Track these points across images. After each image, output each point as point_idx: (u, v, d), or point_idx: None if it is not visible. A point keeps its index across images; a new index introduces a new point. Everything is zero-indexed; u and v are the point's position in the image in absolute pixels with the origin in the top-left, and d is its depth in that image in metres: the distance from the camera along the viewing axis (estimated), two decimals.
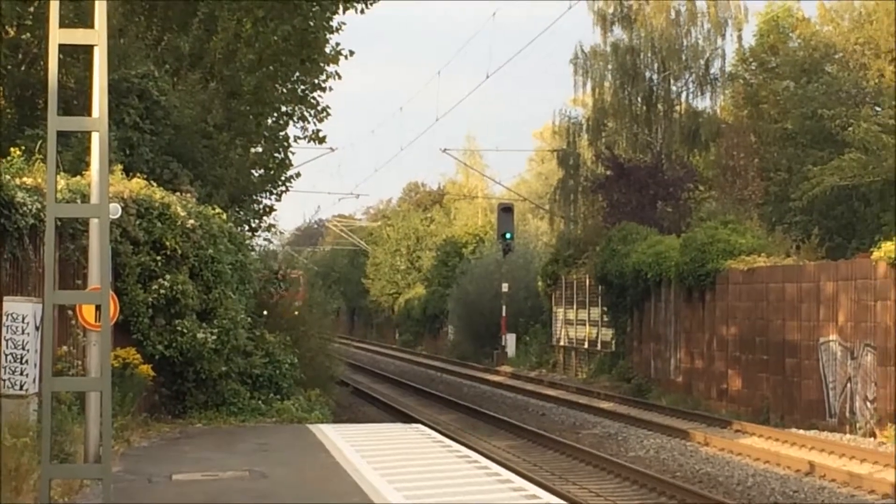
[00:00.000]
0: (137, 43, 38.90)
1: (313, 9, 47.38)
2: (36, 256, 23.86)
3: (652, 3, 76.97)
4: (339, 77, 53.55)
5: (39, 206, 22.98)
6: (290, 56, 48.86)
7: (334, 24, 50.30)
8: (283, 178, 56.71)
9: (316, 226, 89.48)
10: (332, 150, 77.74)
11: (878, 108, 60.32)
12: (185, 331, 32.07)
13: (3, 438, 18.12)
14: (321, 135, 55.14)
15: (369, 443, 29.02)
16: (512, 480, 23.26)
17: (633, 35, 77.73)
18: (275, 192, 57.17)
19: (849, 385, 44.40)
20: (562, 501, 21.83)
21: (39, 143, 25.98)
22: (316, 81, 53.26)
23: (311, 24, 47.83)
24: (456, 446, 28.98)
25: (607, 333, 66.12)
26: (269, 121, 52.91)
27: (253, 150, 52.60)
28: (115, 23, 14.99)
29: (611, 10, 77.38)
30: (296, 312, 47.62)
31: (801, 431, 41.83)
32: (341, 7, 49.32)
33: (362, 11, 50.18)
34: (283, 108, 53.46)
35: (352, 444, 28.20)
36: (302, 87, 53.05)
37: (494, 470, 24.76)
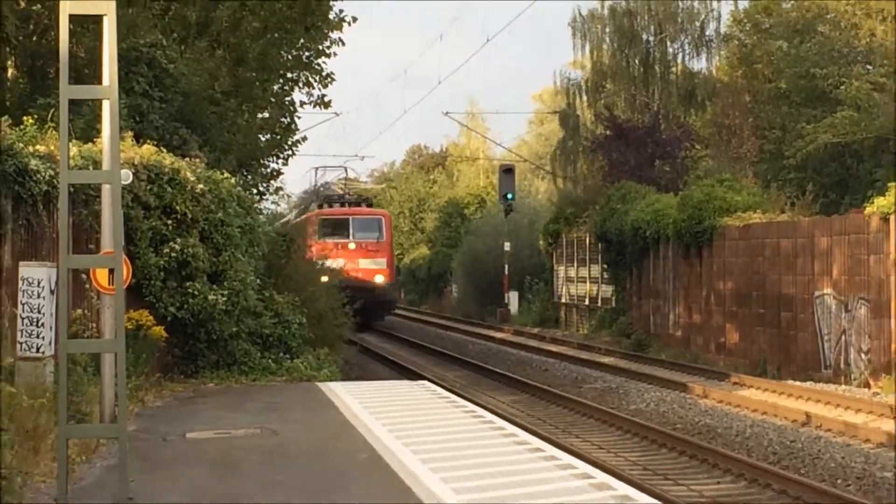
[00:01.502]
0: (145, 13, 39.19)
1: None
2: (49, 222, 24.22)
3: None
4: (343, 43, 53.68)
5: (52, 173, 23.44)
6: (295, 23, 49.11)
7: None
8: (289, 143, 56.86)
9: (322, 189, 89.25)
10: (336, 114, 77.58)
11: (869, 67, 60.30)
12: (196, 293, 32.51)
13: (21, 400, 18.41)
14: (326, 100, 55.46)
15: (377, 399, 29.23)
16: (516, 434, 23.55)
17: (634, 1, 77.47)
18: (281, 156, 57.18)
19: (843, 337, 44.58)
20: (564, 453, 21.61)
21: (51, 111, 26.08)
22: (320, 48, 53.62)
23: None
24: (462, 402, 29.29)
25: (607, 290, 66.39)
26: (275, 87, 53.06)
27: (260, 115, 52.75)
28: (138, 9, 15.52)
29: None
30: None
31: (797, 383, 42.06)
32: None
33: None
34: (289, 75, 53.73)
35: (360, 401, 28.54)
36: (306, 53, 53.47)
37: (499, 424, 24.90)
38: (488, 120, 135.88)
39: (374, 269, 55.99)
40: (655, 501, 17.26)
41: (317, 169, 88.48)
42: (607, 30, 77.86)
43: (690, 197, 56.74)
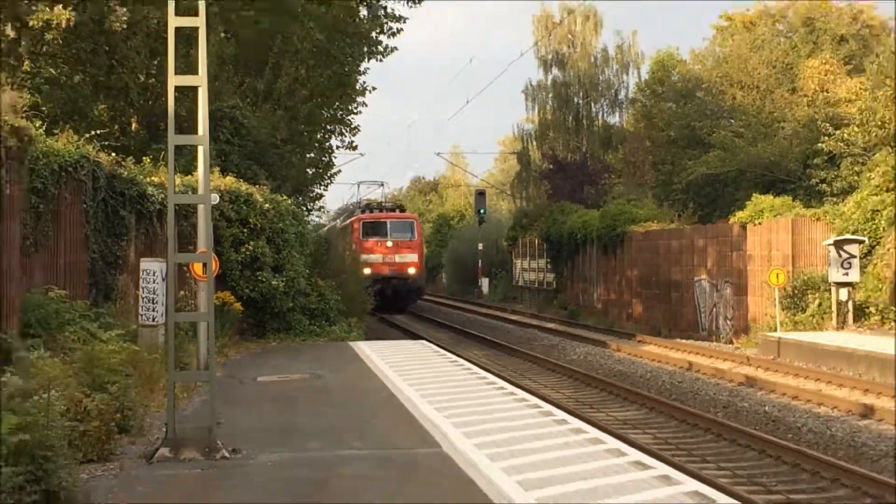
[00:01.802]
0: (228, 84, 39.37)
1: (347, 60, 47.81)
2: (161, 231, 24.66)
3: (578, 51, 76.55)
4: (366, 105, 54.61)
5: (163, 196, 23.84)
6: (332, 91, 49.30)
7: (361, 69, 51.06)
8: (328, 175, 57.60)
9: (352, 207, 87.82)
10: (361, 154, 79.56)
11: (732, 121, 60.89)
12: (263, 280, 32.80)
13: (142, 355, 18.61)
14: (354, 144, 55.92)
15: (390, 353, 29.39)
16: (487, 377, 23.93)
17: (566, 74, 77.21)
18: (322, 184, 58.05)
19: (714, 309, 44.85)
20: (519, 390, 21.92)
21: (162, 153, 26.35)
22: (350, 108, 54.14)
23: (346, 69, 48.41)
24: (449, 355, 29.58)
25: (550, 277, 65.26)
26: (318, 135, 53.53)
27: (307, 156, 53.28)
28: (212, 70, 15.48)
29: (550, 57, 77.61)
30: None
31: (682, 341, 41.91)
32: (366, 58, 49.80)
33: (380, 60, 50.49)
34: (328, 127, 53.97)
35: (378, 355, 28.67)
36: (340, 112, 53.64)
37: (475, 371, 25.16)
38: (467, 157, 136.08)
39: (407, 263, 52.56)
40: (584, 422, 17.23)
41: (359, 183, 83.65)
42: (549, 95, 77.94)
43: (608, 212, 56.54)
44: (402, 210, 57.69)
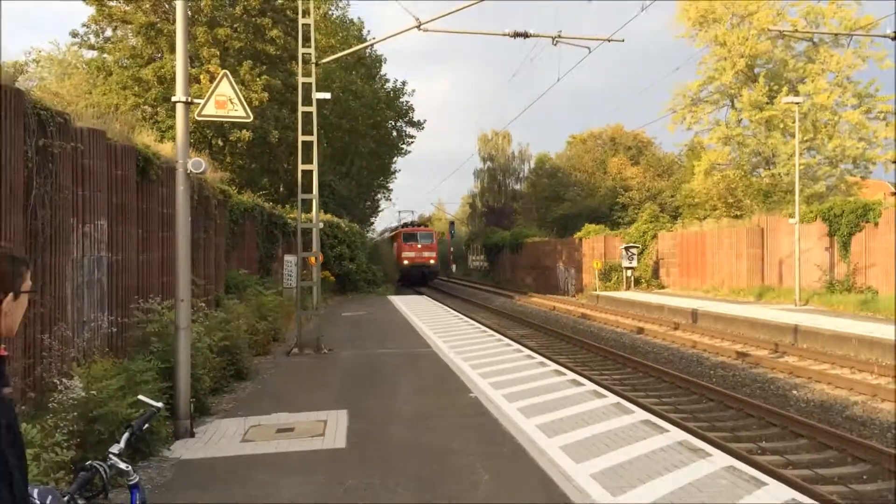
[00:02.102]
0: (326, 167, 39.25)
1: (386, 157, 47.95)
2: (293, 240, 24.49)
3: (499, 152, 76.17)
4: (396, 178, 54.59)
5: (294, 223, 23.96)
6: (379, 172, 49.42)
7: (394, 160, 51.07)
8: (376, 213, 57.78)
9: (394, 227, 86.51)
10: (394, 203, 79.53)
11: (574, 187, 60.65)
12: (345, 265, 32.98)
13: (284, 302, 18.77)
14: (389, 198, 56.29)
15: (407, 301, 29.45)
16: (451, 311, 24.11)
17: (495, 164, 76.24)
18: (374, 218, 58.17)
19: (566, 280, 44.03)
20: (481, 325, 21.66)
21: (293, 202, 26.16)
22: (388, 179, 53.37)
23: (385, 161, 48.59)
24: (436, 303, 29.21)
25: (486, 264, 64.40)
26: (371, 193, 53.42)
27: (366, 203, 53.17)
28: (319, 160, 15.70)
29: (485, 155, 76.25)
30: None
31: (550, 296, 40.82)
32: (397, 155, 49.79)
33: (403, 156, 50.61)
34: (377, 190, 53.81)
35: (401, 302, 28.91)
36: (382, 179, 52.57)
37: (447, 309, 25.31)
38: (446, 205, 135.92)
39: (427, 257, 49.04)
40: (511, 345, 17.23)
41: (400, 212, 76.12)
42: (486, 175, 76.92)
43: (514, 232, 56.11)
44: (426, 226, 56.17)
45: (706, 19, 36.29)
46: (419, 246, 49.28)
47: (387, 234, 62.19)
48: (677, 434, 7.90)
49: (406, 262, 48.71)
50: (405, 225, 54.42)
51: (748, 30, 34.88)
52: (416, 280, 49.27)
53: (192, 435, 8.20)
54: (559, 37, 16.52)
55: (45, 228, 7.42)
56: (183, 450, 7.67)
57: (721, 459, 6.97)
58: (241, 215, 19.41)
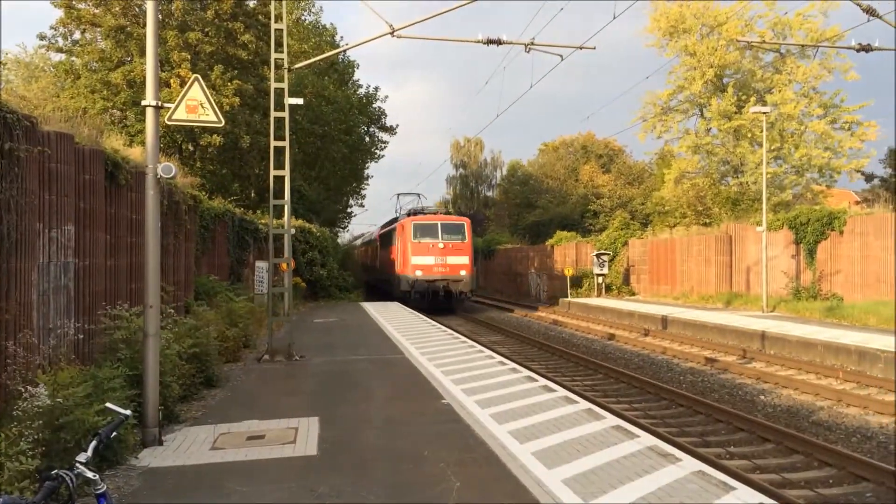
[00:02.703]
0: (298, 173, 39.01)
1: (359, 162, 47.68)
2: (265, 246, 24.32)
3: (472, 159, 76.02)
4: (369, 185, 54.10)
5: (265, 229, 23.74)
6: (351, 178, 48.95)
7: (367, 166, 50.70)
8: (348, 220, 57.39)
9: (360, 235, 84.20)
10: (366, 210, 79.06)
11: (546, 194, 60.77)
12: (316, 271, 32.77)
13: (255, 309, 18.67)
14: (362, 204, 55.74)
15: (379, 308, 29.16)
16: (427, 319, 24.02)
17: (468, 170, 76.03)
18: (346, 224, 57.82)
19: (538, 286, 43.96)
20: (441, 325, 21.43)
21: (265, 208, 25.67)
22: (360, 185, 52.91)
23: (358, 166, 48.27)
24: (408, 310, 28.85)
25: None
26: (343, 200, 53.04)
27: (338, 207, 52.80)
28: (291, 166, 15.44)
29: (457, 162, 76.08)
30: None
31: (523, 303, 40.71)
32: (370, 160, 49.47)
33: (376, 162, 50.28)
34: (349, 196, 53.37)
35: (374, 308, 28.63)
36: (354, 185, 51.86)
37: (426, 320, 25.07)
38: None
39: (458, 266, 32.33)
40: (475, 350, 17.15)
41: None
42: (458, 183, 76.78)
43: (487, 239, 55.84)
44: (451, 214, 51.33)
45: (676, 29, 36.75)
46: (442, 246, 32.73)
47: (373, 233, 57.04)
48: (647, 439, 7.95)
49: (418, 274, 32.20)
50: (414, 212, 36.19)
51: (717, 40, 35.37)
52: (434, 302, 32.67)
53: (161, 443, 8.09)
54: (532, 44, 16.63)
55: (10, 233, 7.28)
56: (151, 458, 7.57)
57: (690, 464, 7.03)
58: (211, 221, 19.23)
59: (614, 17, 14.24)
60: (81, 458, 3.41)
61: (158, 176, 8.20)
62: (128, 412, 3.91)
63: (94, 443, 3.56)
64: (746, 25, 34.82)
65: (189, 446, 8.07)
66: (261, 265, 22.84)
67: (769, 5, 34.55)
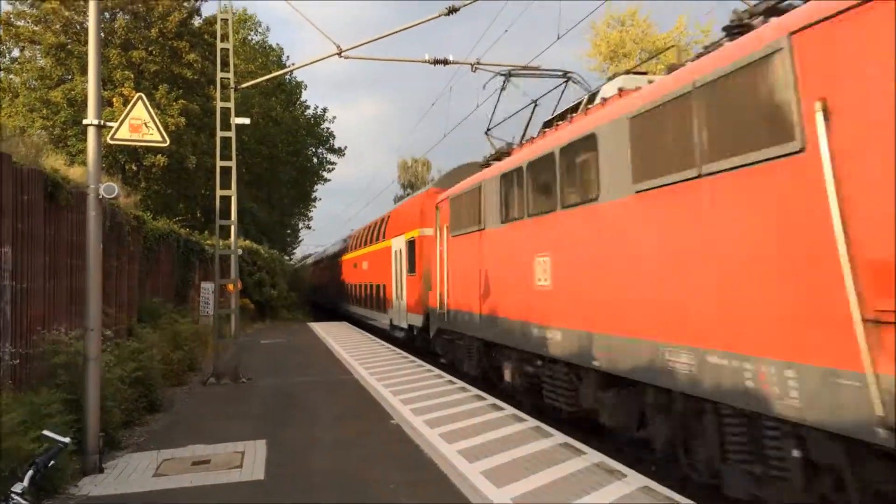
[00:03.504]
0: (246, 194, 38.61)
1: (308, 183, 47.43)
2: (211, 267, 23.85)
3: (419, 179, 75.55)
4: (316, 206, 53.74)
5: (211, 249, 23.31)
6: (300, 200, 48.72)
7: (315, 188, 50.34)
8: (297, 241, 56.79)
9: (309, 255, 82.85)
10: (313, 230, 77.86)
11: None
12: (265, 292, 32.38)
13: (200, 330, 18.37)
14: (309, 225, 55.31)
15: (329, 329, 29.09)
16: (382, 342, 23.79)
17: (415, 191, 75.72)
18: (294, 245, 57.18)
19: None
20: (393, 346, 21.43)
21: (210, 228, 25.57)
22: (309, 206, 52.50)
23: (307, 188, 48.02)
24: (358, 330, 28.65)
25: None
26: (292, 221, 52.57)
27: (287, 231, 52.33)
28: (239, 187, 15.21)
29: (405, 182, 74.47)
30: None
31: None
32: (318, 182, 49.22)
33: (324, 184, 50.07)
34: (298, 217, 52.93)
35: (323, 329, 28.52)
36: (302, 207, 51.74)
37: (376, 340, 25.09)
38: None
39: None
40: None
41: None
42: (408, 172, 75.92)
43: None
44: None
45: (616, 54, 37.61)
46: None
47: (303, 263, 57.02)
48: (595, 456, 8.01)
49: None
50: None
51: (656, 65, 36.31)
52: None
53: (101, 470, 7.83)
54: (478, 64, 16.80)
55: None
56: (91, 486, 7.32)
57: (636, 480, 7.10)
58: (155, 242, 18.83)
59: (558, 38, 14.51)
60: (17, 487, 3.29)
61: (100, 196, 8.00)
62: (66, 439, 3.78)
63: (30, 472, 3.44)
64: (683, 52, 35.83)
65: (131, 473, 7.83)
66: (207, 286, 22.37)
67: (705, 32, 35.66)
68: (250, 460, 8.19)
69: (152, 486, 7.35)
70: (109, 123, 8.42)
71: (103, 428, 8.18)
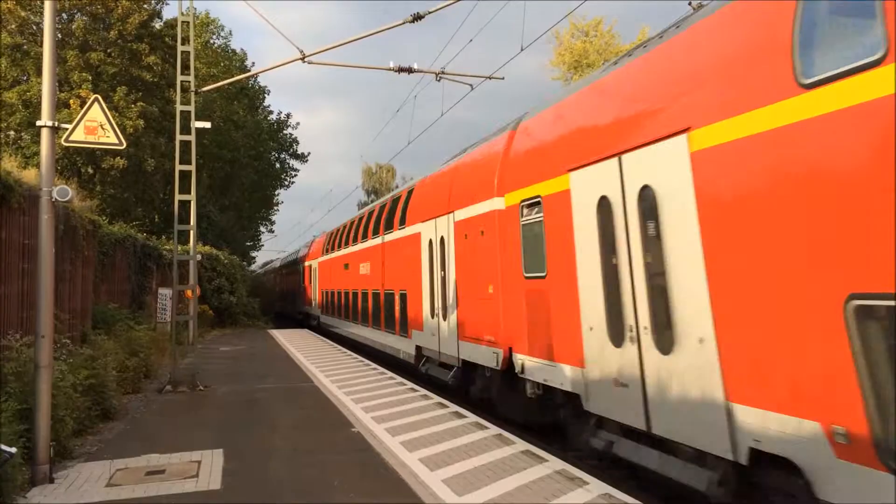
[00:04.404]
0: (206, 198, 38.16)
1: (269, 188, 47.01)
2: (169, 273, 23.66)
3: (384, 184, 75.51)
4: (279, 211, 53.25)
5: (170, 255, 23.00)
6: (261, 205, 48.21)
7: (277, 192, 49.85)
8: (258, 246, 56.10)
9: (271, 261, 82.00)
10: (276, 235, 76.77)
11: None
12: (224, 298, 31.93)
13: (158, 337, 18.16)
14: (272, 230, 54.60)
15: (289, 335, 28.81)
16: (343, 349, 23.65)
17: (379, 197, 75.82)
18: (255, 251, 56.45)
19: None
20: (359, 356, 21.14)
21: (170, 234, 25.25)
22: (270, 211, 51.89)
23: (269, 192, 47.57)
24: (319, 337, 28.40)
25: None
26: (253, 226, 51.95)
27: (247, 235, 51.68)
28: (199, 191, 14.94)
29: (369, 188, 73.95)
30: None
31: None
32: (280, 188, 48.83)
33: (286, 188, 49.63)
34: (259, 222, 52.27)
35: (283, 336, 28.25)
36: (266, 211, 51.12)
37: (337, 347, 24.89)
38: None
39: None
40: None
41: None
42: (373, 178, 75.67)
43: None
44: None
45: (580, 64, 38.02)
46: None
47: (263, 270, 55.30)
48: (556, 463, 8.02)
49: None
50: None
51: None
52: None
53: (52, 480, 7.60)
54: (442, 73, 16.82)
55: None
56: (41, 497, 7.09)
57: (597, 487, 7.12)
58: (111, 246, 18.48)
59: (522, 49, 14.59)
60: None
61: (54, 199, 7.80)
62: (13, 449, 3.65)
63: None
64: None
65: (83, 484, 7.61)
66: (164, 292, 22.07)
67: None
68: (207, 470, 8.03)
69: (104, 496, 7.15)
70: (64, 125, 8.22)
71: (55, 437, 7.96)
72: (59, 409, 8.33)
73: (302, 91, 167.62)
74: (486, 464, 8.00)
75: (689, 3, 7.77)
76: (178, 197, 15.03)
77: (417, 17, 13.90)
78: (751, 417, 5.74)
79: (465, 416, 10.78)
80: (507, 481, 7.30)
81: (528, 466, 7.87)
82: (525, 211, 10.04)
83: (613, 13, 59.71)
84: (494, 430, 9.81)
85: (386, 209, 19.34)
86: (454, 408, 11.54)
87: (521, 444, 8.92)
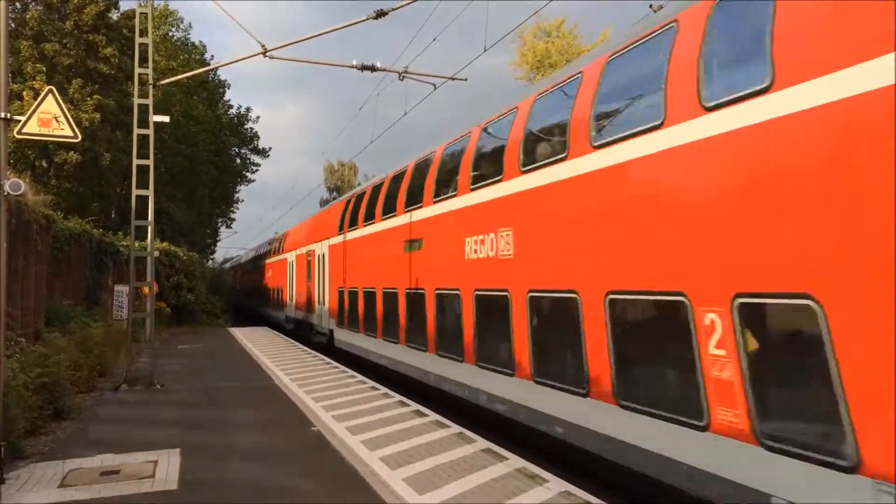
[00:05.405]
0: (165, 194, 37.54)
1: (230, 185, 46.43)
2: (126, 269, 23.21)
3: (346, 183, 75.12)
4: (239, 208, 52.41)
5: (127, 251, 22.62)
6: (221, 201, 47.49)
7: (238, 189, 49.25)
8: (217, 242, 55.24)
9: (233, 257, 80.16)
10: (236, 233, 75.66)
11: None
12: (182, 295, 31.42)
13: (114, 333, 17.87)
14: (231, 226, 53.84)
15: (249, 333, 28.50)
16: (304, 348, 23.48)
17: (341, 194, 75.17)
18: (215, 247, 55.50)
19: None
20: (320, 354, 20.97)
21: (127, 229, 24.80)
22: (231, 209, 51.14)
23: (229, 188, 46.97)
24: (280, 335, 28.15)
25: None
26: (212, 222, 51.12)
27: (207, 232, 50.84)
28: (157, 187, 14.76)
29: (331, 186, 72.69)
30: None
31: None
32: (241, 183, 48.20)
33: (247, 185, 49.02)
34: (219, 218, 51.42)
35: (243, 334, 27.92)
36: (226, 208, 50.28)
37: (298, 346, 24.68)
38: None
39: None
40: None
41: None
42: (335, 175, 74.89)
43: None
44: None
45: (543, 64, 38.27)
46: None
47: (224, 266, 52.79)
48: (516, 461, 8.08)
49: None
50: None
51: None
52: None
53: (3, 481, 7.42)
54: (406, 72, 16.78)
55: None
56: None
57: (556, 485, 7.19)
58: (66, 242, 18.11)
59: (485, 50, 14.63)
60: None
61: (6, 193, 7.60)
62: None
63: None
64: None
65: (34, 485, 7.45)
66: (120, 289, 21.68)
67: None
68: (163, 470, 7.91)
69: (57, 497, 7.01)
70: (17, 117, 8.02)
71: (5, 437, 7.77)
72: (10, 409, 8.14)
73: (265, 86, 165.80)
74: (447, 462, 8.02)
75: (650, 6, 7.96)
76: (135, 192, 14.72)
77: (381, 14, 13.83)
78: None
79: (426, 415, 10.78)
80: (468, 480, 7.33)
81: (488, 465, 7.91)
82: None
83: (577, 13, 60.12)
84: (456, 428, 9.84)
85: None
86: (415, 406, 11.54)
87: (481, 443, 8.96)
